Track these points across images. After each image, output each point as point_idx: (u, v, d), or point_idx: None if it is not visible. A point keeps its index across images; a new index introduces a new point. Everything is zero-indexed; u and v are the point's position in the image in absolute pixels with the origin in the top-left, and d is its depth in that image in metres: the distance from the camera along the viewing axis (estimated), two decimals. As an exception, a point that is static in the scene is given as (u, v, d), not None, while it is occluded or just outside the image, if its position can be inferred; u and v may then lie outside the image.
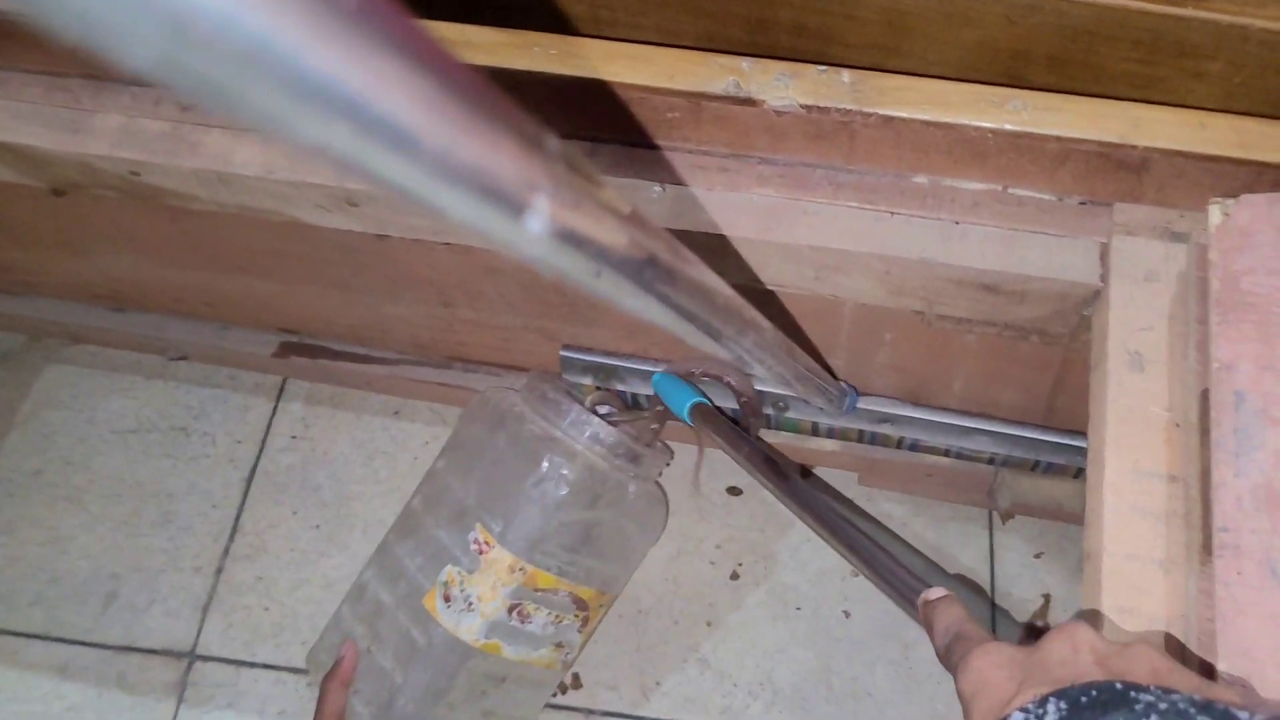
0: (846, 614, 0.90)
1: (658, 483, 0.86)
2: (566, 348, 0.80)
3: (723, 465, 0.96)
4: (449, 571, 0.73)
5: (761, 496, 0.96)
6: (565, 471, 0.72)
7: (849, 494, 0.93)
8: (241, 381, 1.03)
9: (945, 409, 0.74)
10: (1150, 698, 0.31)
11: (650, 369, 0.79)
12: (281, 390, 1.02)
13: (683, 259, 0.33)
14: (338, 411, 1.02)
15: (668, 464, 0.90)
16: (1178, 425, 0.50)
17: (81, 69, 0.63)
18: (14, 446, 1.01)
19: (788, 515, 0.95)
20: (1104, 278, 0.55)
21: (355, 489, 0.98)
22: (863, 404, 0.75)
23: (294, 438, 1.01)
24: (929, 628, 0.41)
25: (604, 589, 0.79)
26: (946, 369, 0.72)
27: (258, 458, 1.00)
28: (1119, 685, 0.32)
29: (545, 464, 0.72)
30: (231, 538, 0.96)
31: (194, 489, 0.98)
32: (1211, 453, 0.44)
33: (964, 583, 0.89)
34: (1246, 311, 0.47)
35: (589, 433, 0.73)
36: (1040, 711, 0.32)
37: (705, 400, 0.74)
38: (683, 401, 0.73)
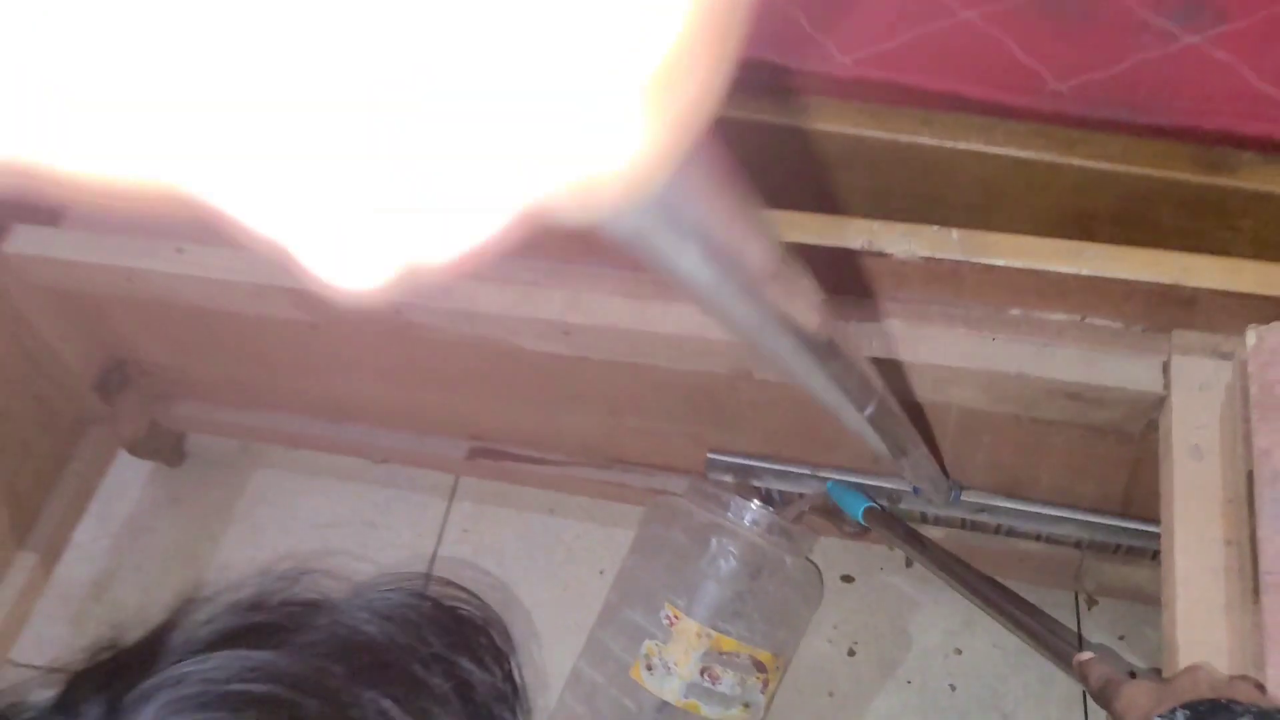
0: (952, 687, 1.03)
1: (810, 560, 1.01)
2: (713, 450, 0.97)
3: (837, 556, 1.11)
4: (647, 645, 0.90)
5: (872, 583, 1.10)
6: (731, 549, 0.89)
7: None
8: (419, 483, 1.20)
9: (1036, 500, 0.89)
10: (1242, 708, 0.47)
11: (784, 468, 0.95)
12: (454, 491, 1.20)
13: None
14: (501, 509, 1.19)
15: (818, 540, 1.05)
16: (1230, 501, 0.65)
17: (362, 232, 0.83)
18: (231, 540, 1.19)
19: (896, 600, 1.09)
20: (1166, 387, 0.70)
21: (518, 575, 1.14)
22: (965, 496, 0.90)
23: (465, 531, 1.18)
24: (1084, 679, 0.58)
25: (778, 652, 0.94)
26: (1035, 466, 0.87)
27: (435, 549, 1.17)
28: (1224, 700, 0.47)
29: (714, 544, 0.89)
30: (417, 616, 1.12)
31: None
32: (1257, 518, 0.59)
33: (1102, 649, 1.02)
34: (1278, 410, 0.62)
35: (748, 517, 0.90)
36: (1171, 715, 0.47)
37: (876, 504, 0.90)
38: (857, 506, 0.90)
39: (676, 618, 0.91)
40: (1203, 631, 0.61)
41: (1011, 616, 0.75)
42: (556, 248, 0.81)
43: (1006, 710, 1.01)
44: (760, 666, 0.94)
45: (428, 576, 0.47)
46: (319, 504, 1.21)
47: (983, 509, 0.91)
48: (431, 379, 0.98)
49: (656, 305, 0.79)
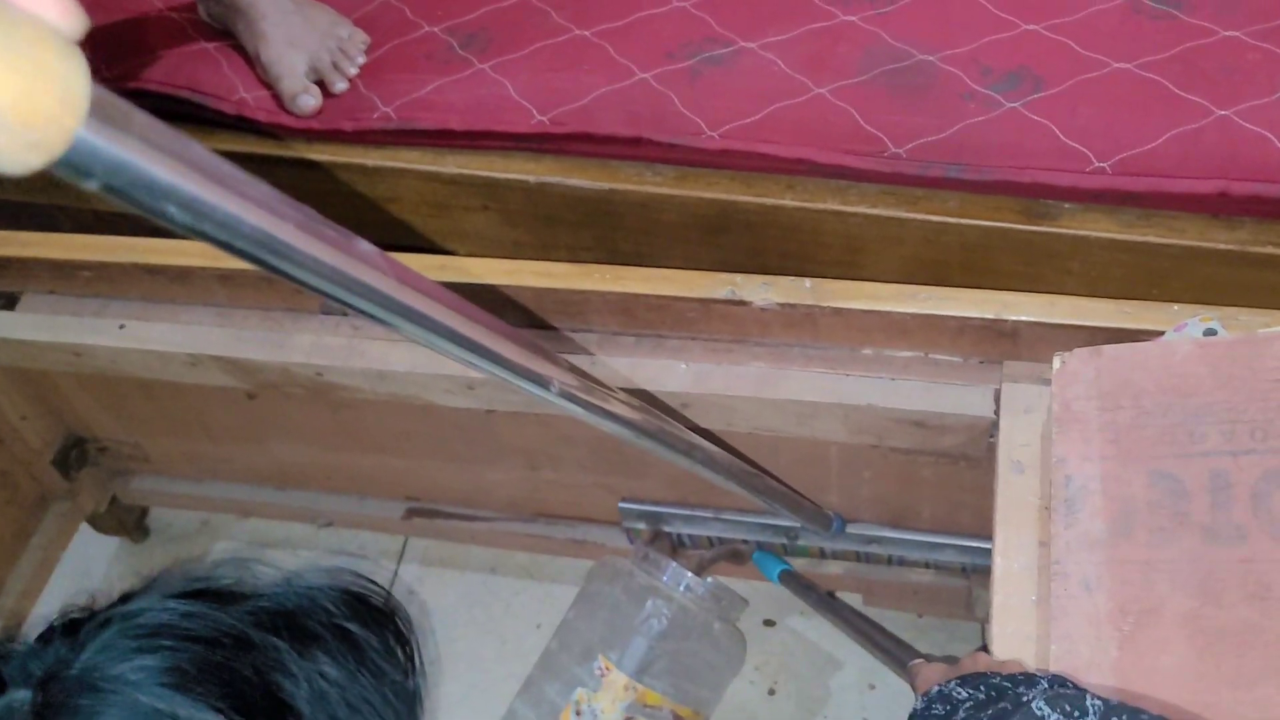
0: (867, 720, 1.08)
1: (736, 626, 1.07)
2: (624, 500, 1.04)
3: (760, 602, 1.17)
4: (579, 692, 0.97)
5: (791, 626, 1.16)
6: (665, 610, 0.96)
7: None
8: (369, 547, 1.27)
9: (918, 529, 0.95)
10: (998, 677, 0.54)
11: (691, 513, 1.02)
12: (402, 554, 1.27)
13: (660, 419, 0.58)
14: (446, 570, 1.25)
15: (746, 606, 1.11)
16: (1045, 508, 0.71)
17: (285, 304, 0.92)
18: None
19: (813, 642, 1.15)
20: (997, 412, 0.78)
21: (460, 631, 1.20)
22: (851, 529, 0.96)
23: (411, 592, 1.24)
24: (912, 680, 0.65)
25: (698, 710, 1.00)
26: (915, 497, 0.94)
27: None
28: (988, 673, 0.55)
29: (649, 604, 0.97)
30: (361, 672, 1.18)
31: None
32: (1051, 516, 0.66)
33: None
34: (1074, 424, 0.69)
35: (683, 583, 0.98)
36: (949, 687, 0.55)
37: (790, 569, 0.99)
38: (774, 569, 0.99)
39: (608, 669, 0.97)
40: (1016, 624, 0.67)
41: (874, 643, 0.84)
42: (460, 311, 0.89)
43: (919, 742, 1.06)
44: None
45: (350, 572, 0.56)
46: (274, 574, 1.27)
47: (870, 540, 0.97)
48: (363, 442, 1.06)
49: (549, 358, 0.87)
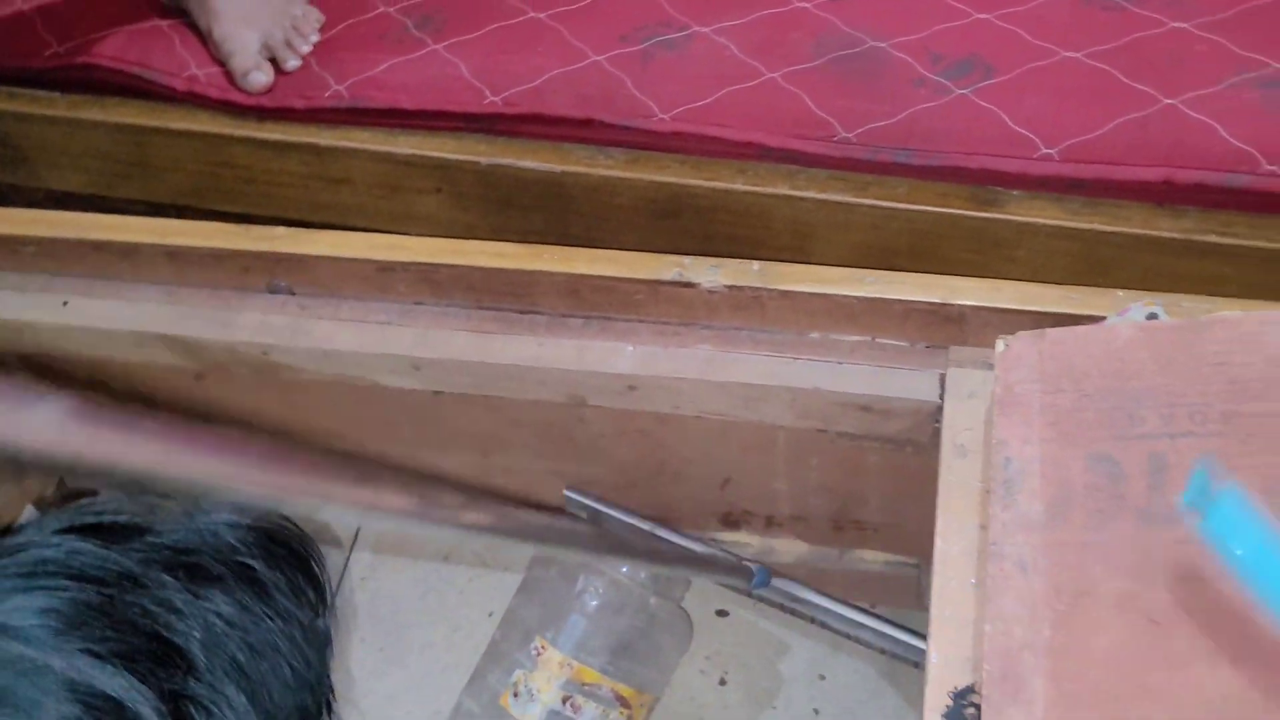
0: (816, 711, 1.08)
1: (680, 606, 1.06)
2: (569, 488, 1.03)
3: (713, 591, 1.16)
4: (517, 674, 0.97)
5: (744, 617, 1.15)
6: (598, 586, 0.96)
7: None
8: (322, 535, 1.26)
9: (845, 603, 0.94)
10: None
11: (630, 520, 1.01)
12: (354, 541, 1.26)
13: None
14: (399, 558, 1.24)
15: (689, 585, 1.10)
16: (987, 491, 0.71)
17: (232, 282, 0.91)
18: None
19: (765, 632, 1.14)
20: (942, 396, 0.78)
21: (412, 619, 1.19)
22: (776, 583, 0.93)
23: (362, 579, 1.23)
24: None
25: (642, 689, 1.00)
26: (862, 486, 0.94)
27: (332, 599, 1.22)
28: None
29: (581, 580, 0.96)
30: (310, 660, 1.17)
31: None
32: (990, 498, 0.66)
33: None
34: (1015, 406, 0.69)
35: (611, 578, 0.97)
36: None
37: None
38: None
39: (544, 648, 0.97)
40: (954, 608, 0.67)
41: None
42: (409, 290, 0.88)
43: (869, 733, 1.06)
44: (623, 701, 0.99)
45: (273, 514, 0.53)
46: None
47: (795, 599, 0.95)
48: (313, 427, 1.05)
49: (497, 339, 0.87)
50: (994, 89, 0.84)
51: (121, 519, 0.46)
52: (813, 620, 0.99)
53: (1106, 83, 0.82)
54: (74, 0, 1.08)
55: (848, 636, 1.01)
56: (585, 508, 1.02)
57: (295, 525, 0.52)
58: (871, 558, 1.02)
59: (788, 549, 1.04)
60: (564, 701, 0.96)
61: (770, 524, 1.04)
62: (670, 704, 1.09)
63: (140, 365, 0.98)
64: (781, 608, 1.01)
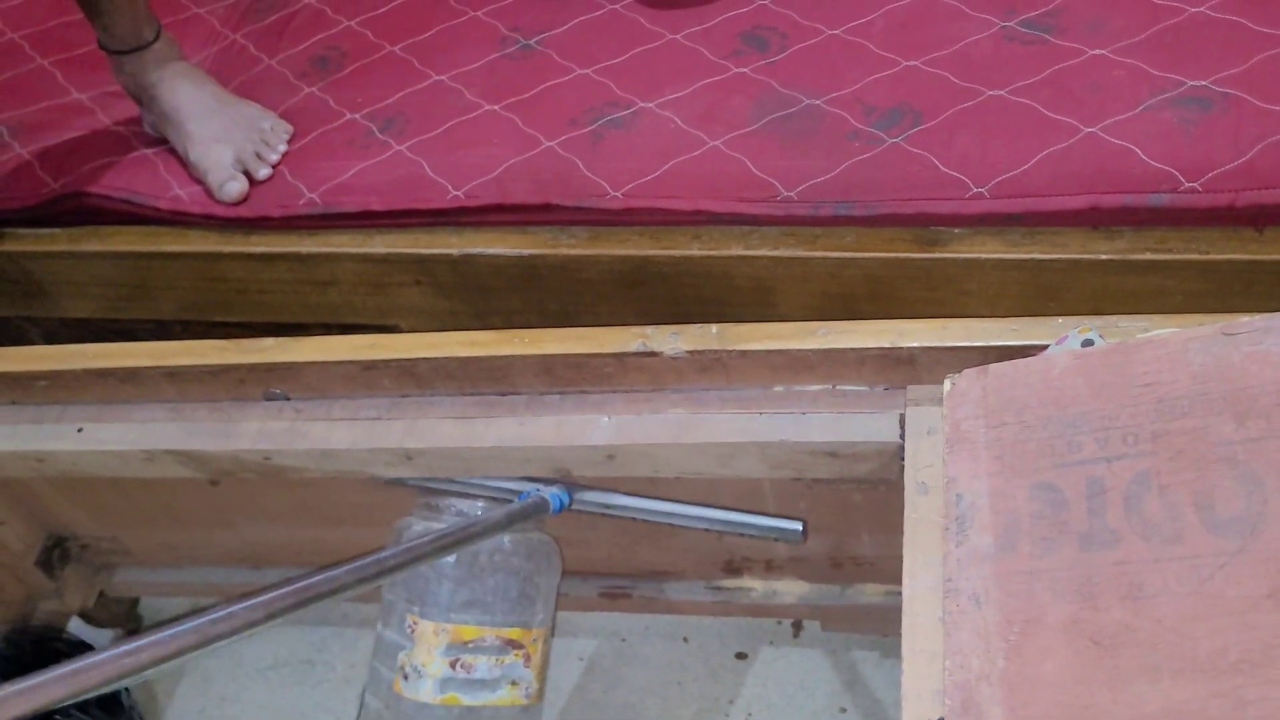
0: (839, 744, 1.10)
1: (538, 532, 1.03)
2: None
3: (731, 635, 1.19)
4: (401, 657, 0.96)
5: (763, 657, 1.18)
6: None
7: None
8: (351, 617, 1.31)
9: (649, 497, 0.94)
10: None
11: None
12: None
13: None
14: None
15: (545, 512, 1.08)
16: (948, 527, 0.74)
17: (230, 393, 0.96)
18: (184, 692, 1.30)
19: (784, 670, 1.17)
20: (903, 436, 0.81)
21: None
22: (582, 499, 0.94)
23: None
24: None
25: (527, 626, 0.99)
26: (854, 525, 0.96)
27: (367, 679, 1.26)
28: None
29: None
30: (349, 738, 1.21)
31: (320, 707, 1.25)
32: (944, 535, 0.69)
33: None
34: (963, 443, 0.72)
35: (453, 509, 0.96)
36: None
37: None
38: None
39: (415, 623, 0.96)
40: (924, 641, 0.70)
41: None
42: (394, 385, 0.93)
43: (892, 761, 1.08)
44: (514, 644, 0.98)
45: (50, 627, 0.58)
46: (261, 649, 1.31)
47: (604, 506, 0.95)
48: (325, 517, 1.10)
49: (479, 423, 0.91)
50: (924, 134, 0.88)
51: None
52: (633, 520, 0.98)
53: (1030, 117, 0.86)
54: (73, 140, 1.15)
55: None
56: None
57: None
58: (872, 590, 1.05)
59: (790, 589, 1.07)
60: (453, 665, 0.95)
61: (770, 567, 1.07)
62: (696, 750, 1.12)
63: (158, 479, 1.03)
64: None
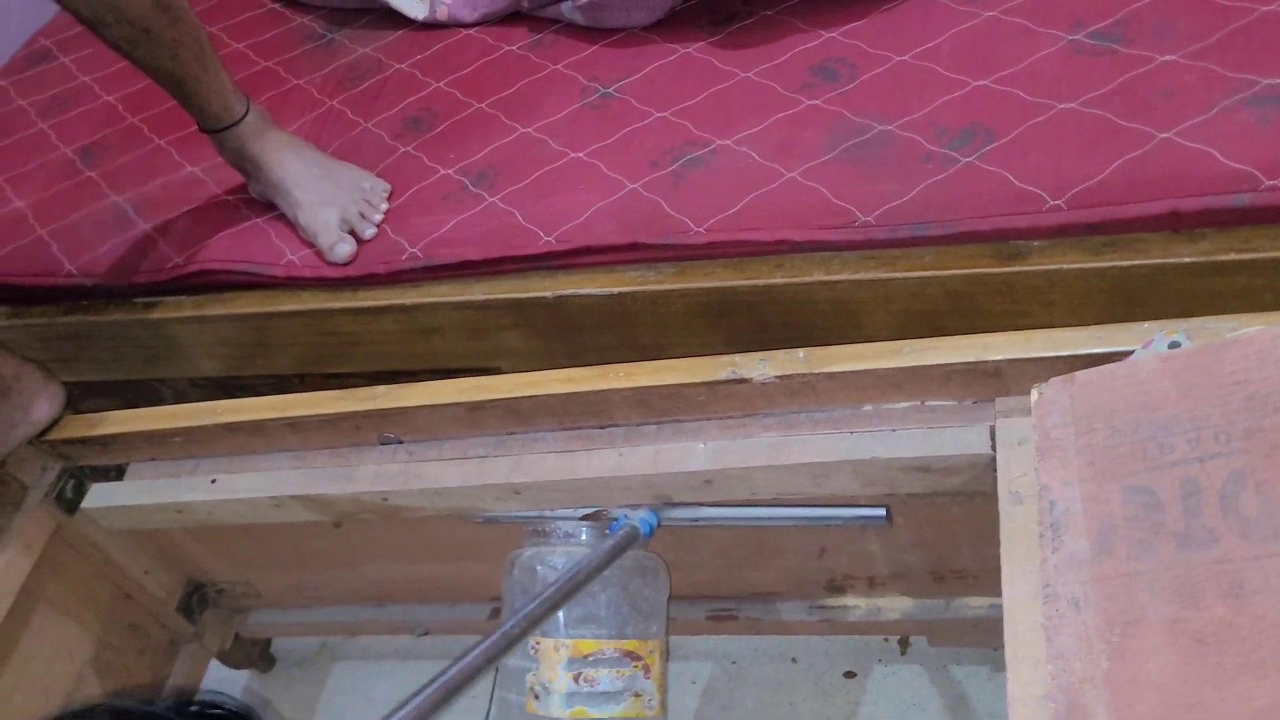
0: (954, 759, 1.11)
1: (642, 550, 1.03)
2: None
3: (839, 654, 1.21)
4: (529, 678, 1.00)
5: (872, 675, 1.19)
6: (558, 565, 0.98)
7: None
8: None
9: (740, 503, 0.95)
10: None
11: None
12: (498, 652, 1.35)
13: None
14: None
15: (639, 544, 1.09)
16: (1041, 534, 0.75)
17: (348, 440, 1.02)
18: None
19: (895, 687, 1.18)
20: (993, 447, 0.82)
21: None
22: (670, 518, 0.96)
23: (511, 687, 1.31)
24: None
25: (644, 638, 1.01)
26: (954, 538, 0.98)
27: (489, 707, 1.31)
28: None
29: (540, 570, 0.99)
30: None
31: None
32: (1040, 542, 0.70)
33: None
34: (1054, 451, 0.73)
35: (563, 531, 0.99)
36: None
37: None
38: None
39: (538, 643, 0.99)
40: (1027, 648, 0.71)
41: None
42: (499, 423, 0.98)
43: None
44: (633, 655, 1.00)
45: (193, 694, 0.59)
46: (389, 686, 1.37)
47: (696, 520, 0.97)
48: (443, 552, 1.15)
49: (581, 456, 0.95)
50: (997, 152, 0.89)
51: None
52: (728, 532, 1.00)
53: (1103, 127, 0.87)
54: (186, 215, 1.24)
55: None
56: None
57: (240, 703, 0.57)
58: (977, 603, 1.06)
59: (894, 606, 1.08)
60: (577, 679, 0.98)
61: (873, 584, 1.08)
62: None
63: (285, 524, 1.10)
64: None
